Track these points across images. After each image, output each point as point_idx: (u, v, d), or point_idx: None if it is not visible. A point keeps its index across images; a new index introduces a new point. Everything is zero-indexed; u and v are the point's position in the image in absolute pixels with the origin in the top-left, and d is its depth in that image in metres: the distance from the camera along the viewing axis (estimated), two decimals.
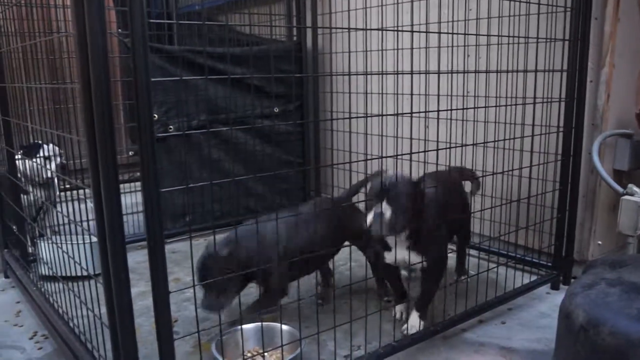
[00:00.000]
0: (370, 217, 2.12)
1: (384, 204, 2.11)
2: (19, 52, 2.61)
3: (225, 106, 3.84)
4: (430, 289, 2.39)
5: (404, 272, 2.70)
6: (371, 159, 2.04)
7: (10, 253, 3.18)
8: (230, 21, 4.45)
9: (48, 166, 3.28)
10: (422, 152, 2.25)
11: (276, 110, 4.09)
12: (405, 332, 2.36)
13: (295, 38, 4.32)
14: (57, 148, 3.41)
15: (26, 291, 2.80)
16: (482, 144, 2.62)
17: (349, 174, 2.23)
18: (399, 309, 2.57)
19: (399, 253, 2.30)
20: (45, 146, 3.33)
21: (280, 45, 4.22)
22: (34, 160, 3.22)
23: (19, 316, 2.77)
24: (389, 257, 2.35)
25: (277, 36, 4.41)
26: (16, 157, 3.04)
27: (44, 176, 3.33)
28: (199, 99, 3.76)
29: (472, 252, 3.13)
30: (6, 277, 3.27)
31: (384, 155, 2.02)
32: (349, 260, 2.43)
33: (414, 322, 2.38)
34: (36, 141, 3.18)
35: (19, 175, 3.20)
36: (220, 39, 4.07)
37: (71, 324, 2.22)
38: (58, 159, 3.40)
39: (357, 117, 2.05)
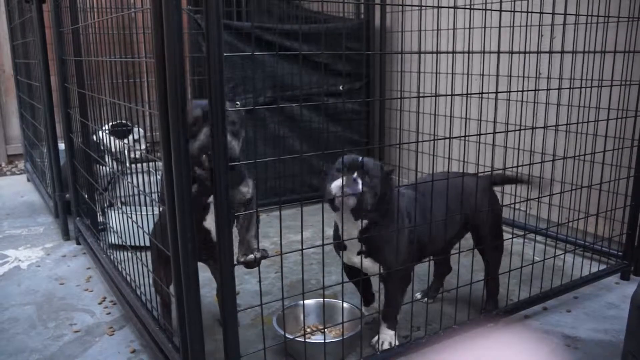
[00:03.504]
0: (335, 185, 1.88)
1: (355, 175, 1.89)
2: (94, 27, 2.68)
3: (291, 83, 3.86)
4: (391, 300, 2.09)
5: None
6: (438, 139, 2.01)
7: (82, 221, 3.32)
8: None
9: (137, 147, 3.41)
10: (490, 133, 2.20)
11: (341, 88, 4.08)
12: (376, 346, 2.11)
13: (363, 16, 4.28)
14: (142, 130, 3.53)
15: (96, 258, 2.93)
16: (554, 127, 2.53)
17: (414, 154, 2.20)
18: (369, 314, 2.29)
19: (350, 254, 2.07)
20: (135, 129, 3.46)
21: (349, 23, 4.19)
22: (125, 141, 3.34)
23: (89, 281, 2.90)
24: (345, 257, 2.12)
25: (346, 13, 4.38)
26: (103, 131, 3.16)
27: (133, 156, 3.45)
28: (266, 75, 3.78)
29: (539, 238, 3.05)
30: (78, 243, 3.42)
31: (451, 136, 1.98)
32: None
33: (385, 336, 2.11)
34: (125, 122, 3.28)
35: (102, 147, 3.33)
36: (287, 16, 4.08)
37: (138, 292, 2.30)
38: (143, 143, 3.52)
39: (424, 97, 2.02)
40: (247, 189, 1.97)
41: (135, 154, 3.48)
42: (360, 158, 1.92)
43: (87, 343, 2.29)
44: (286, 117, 3.99)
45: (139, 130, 3.53)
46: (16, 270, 3.07)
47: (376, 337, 2.14)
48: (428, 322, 2.19)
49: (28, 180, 5.21)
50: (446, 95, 2.03)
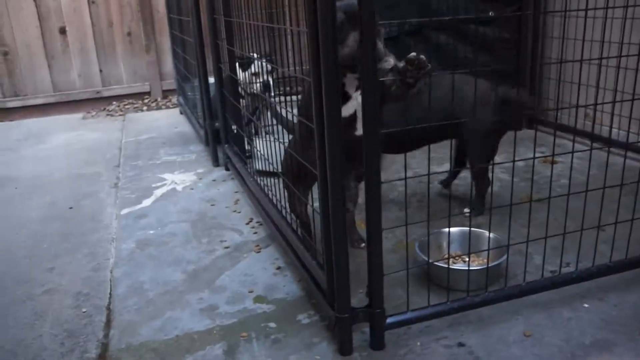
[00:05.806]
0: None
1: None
2: None
3: (437, 9, 3.68)
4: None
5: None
6: (609, 58, 1.83)
7: (231, 148, 3.49)
8: None
9: (255, 81, 3.47)
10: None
11: (492, 14, 3.81)
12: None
13: None
14: (267, 65, 3.55)
15: (243, 182, 3.07)
16: None
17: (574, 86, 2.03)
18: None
19: None
20: (256, 62, 3.49)
21: None
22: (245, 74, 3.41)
23: (237, 204, 3.06)
24: None
25: None
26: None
27: (251, 90, 3.52)
28: (411, 1, 3.63)
29: None
30: (226, 169, 3.62)
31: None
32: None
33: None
34: (251, 54, 3.33)
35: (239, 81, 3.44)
36: None
37: (284, 212, 2.39)
38: (265, 76, 3.54)
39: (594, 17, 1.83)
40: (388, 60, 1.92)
41: (255, 88, 3.50)
42: None
43: (236, 258, 2.44)
44: (430, 45, 3.82)
45: (262, 64, 3.54)
46: (173, 191, 3.32)
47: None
48: (579, 259, 2.04)
49: (181, 113, 5.56)
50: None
